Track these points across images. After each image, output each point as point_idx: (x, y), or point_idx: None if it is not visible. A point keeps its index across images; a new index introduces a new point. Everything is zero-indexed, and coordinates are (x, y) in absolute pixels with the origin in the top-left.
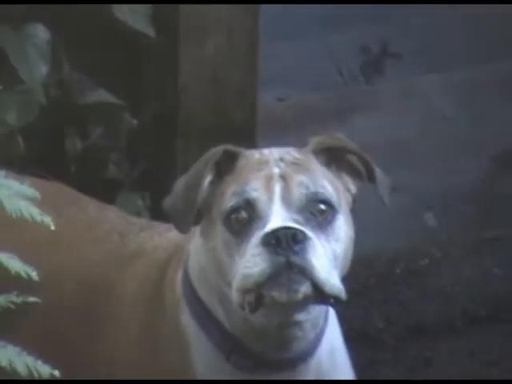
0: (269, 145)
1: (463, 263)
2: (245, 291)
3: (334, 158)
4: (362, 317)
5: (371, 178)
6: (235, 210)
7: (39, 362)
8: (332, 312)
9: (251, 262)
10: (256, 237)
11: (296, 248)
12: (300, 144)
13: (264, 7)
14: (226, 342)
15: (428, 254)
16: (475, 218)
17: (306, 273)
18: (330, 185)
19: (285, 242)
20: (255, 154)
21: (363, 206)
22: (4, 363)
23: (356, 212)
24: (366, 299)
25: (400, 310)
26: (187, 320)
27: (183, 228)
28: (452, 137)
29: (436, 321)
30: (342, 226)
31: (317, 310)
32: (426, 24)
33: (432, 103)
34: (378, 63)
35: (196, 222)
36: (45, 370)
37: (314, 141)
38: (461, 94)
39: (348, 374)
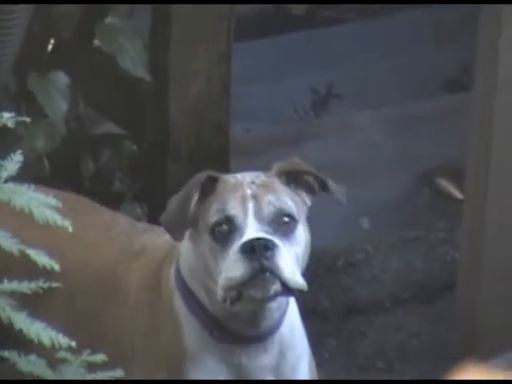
0: (239, 166)
1: (390, 257)
2: (228, 289)
3: (293, 178)
4: (312, 298)
5: (325, 189)
6: (218, 224)
7: (60, 335)
8: (292, 297)
9: (232, 267)
10: (235, 245)
11: (267, 254)
12: (263, 165)
13: (235, 58)
14: (209, 321)
15: (363, 250)
16: (400, 221)
17: (275, 274)
18: (291, 201)
19: (258, 250)
20: (231, 178)
21: (314, 213)
22: (33, 336)
23: (309, 218)
24: (315, 285)
25: (341, 293)
26: (179, 304)
27: (177, 237)
28: (381, 159)
29: (369, 301)
30: (302, 233)
31: (281, 298)
32: (361, 72)
33: (366, 133)
34: (324, 102)
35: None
36: (64, 342)
37: (277, 166)
38: (388, 126)
39: (304, 344)
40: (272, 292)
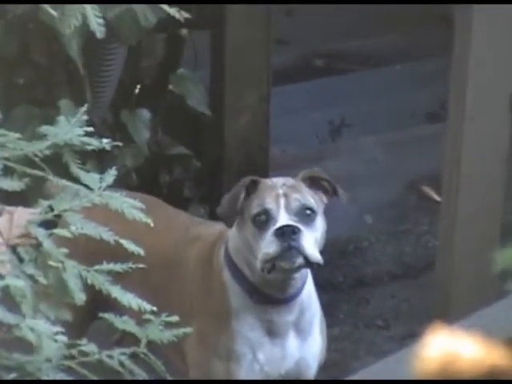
0: (276, 177)
1: (388, 244)
2: (265, 261)
3: (313, 182)
4: (330, 274)
5: (336, 193)
6: (258, 215)
7: (144, 303)
8: (309, 272)
9: (268, 245)
10: (271, 230)
11: (294, 236)
12: (294, 176)
13: (275, 98)
14: (250, 288)
15: (367, 239)
16: (394, 217)
17: (299, 251)
18: (312, 198)
19: (287, 233)
20: (268, 181)
21: (331, 211)
22: (125, 303)
23: (327, 215)
24: (332, 264)
25: (351, 270)
26: (227, 276)
27: (229, 224)
28: (380, 171)
29: (372, 277)
30: (320, 222)
31: (303, 271)
32: (366, 108)
33: (369, 152)
34: (338, 130)
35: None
36: (148, 307)
37: (302, 173)
38: (386, 147)
39: (316, 306)
40: (297, 264)
